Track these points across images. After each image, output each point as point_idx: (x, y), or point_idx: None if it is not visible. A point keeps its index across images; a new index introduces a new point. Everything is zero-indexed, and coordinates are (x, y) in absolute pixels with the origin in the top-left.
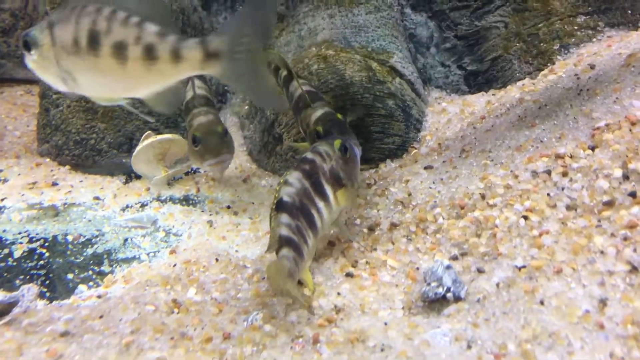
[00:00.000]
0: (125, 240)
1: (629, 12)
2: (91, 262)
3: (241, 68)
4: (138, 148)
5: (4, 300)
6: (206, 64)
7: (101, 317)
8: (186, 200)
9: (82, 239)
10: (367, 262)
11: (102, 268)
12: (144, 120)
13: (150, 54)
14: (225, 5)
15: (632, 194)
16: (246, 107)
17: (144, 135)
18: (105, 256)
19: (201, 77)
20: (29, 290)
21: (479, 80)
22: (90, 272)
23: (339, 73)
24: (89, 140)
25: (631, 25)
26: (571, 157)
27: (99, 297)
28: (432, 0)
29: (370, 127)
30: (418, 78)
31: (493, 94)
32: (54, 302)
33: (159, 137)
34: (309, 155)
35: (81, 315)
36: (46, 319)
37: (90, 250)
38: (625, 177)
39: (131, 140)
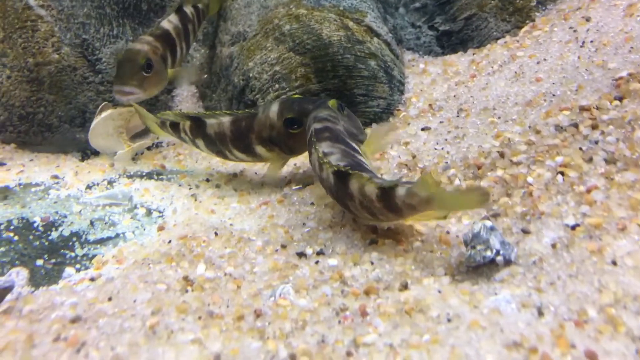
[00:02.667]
0: (101, 218)
1: None
2: (68, 243)
3: None
4: (96, 121)
5: None
6: None
7: (110, 299)
8: (157, 175)
9: (50, 220)
10: (387, 228)
11: (85, 250)
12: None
13: None
14: None
15: None
16: (205, 76)
17: (100, 106)
18: (81, 236)
19: (182, 15)
20: (18, 274)
21: (453, 41)
22: (73, 254)
23: (315, 33)
24: (36, 114)
25: None
26: (598, 108)
27: (91, 279)
28: None
29: (354, 90)
30: (393, 39)
31: (474, 53)
32: (42, 288)
33: (119, 108)
34: (319, 125)
35: (87, 299)
36: (47, 304)
37: (63, 232)
38: None
39: (84, 112)
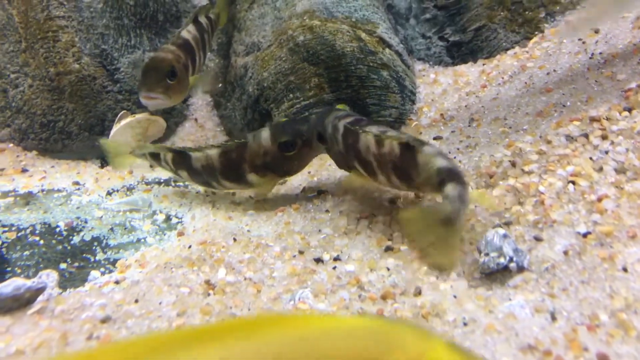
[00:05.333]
0: (122, 224)
1: None
2: (90, 248)
3: None
4: (115, 129)
5: (33, 286)
6: None
7: (136, 301)
8: (174, 182)
9: (72, 225)
10: (402, 235)
11: (107, 254)
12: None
13: None
14: None
15: None
16: (220, 85)
17: (119, 115)
18: (102, 241)
19: (198, 26)
20: (48, 276)
21: (463, 51)
22: (95, 258)
23: (328, 44)
24: (56, 122)
25: None
26: (608, 119)
27: (116, 282)
28: None
29: (366, 100)
30: (404, 49)
31: (484, 64)
32: (69, 290)
33: (137, 116)
34: (348, 119)
35: (114, 300)
36: (77, 305)
37: (84, 236)
38: None
39: (103, 121)
